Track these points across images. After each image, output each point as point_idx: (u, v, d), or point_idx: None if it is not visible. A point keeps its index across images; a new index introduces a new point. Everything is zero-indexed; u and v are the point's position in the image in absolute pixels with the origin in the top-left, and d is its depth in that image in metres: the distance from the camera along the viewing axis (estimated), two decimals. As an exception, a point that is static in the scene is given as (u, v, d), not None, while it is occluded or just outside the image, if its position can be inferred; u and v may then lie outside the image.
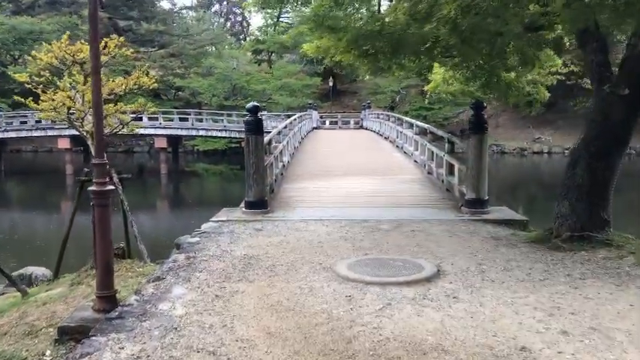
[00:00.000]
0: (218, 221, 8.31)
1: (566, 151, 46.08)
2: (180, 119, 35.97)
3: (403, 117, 19.34)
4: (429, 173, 12.74)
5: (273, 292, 5.16)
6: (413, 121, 16.51)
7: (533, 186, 31.83)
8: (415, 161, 14.78)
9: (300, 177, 12.96)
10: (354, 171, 13.66)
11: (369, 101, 39.34)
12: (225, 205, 10.38)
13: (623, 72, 6.68)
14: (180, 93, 52.35)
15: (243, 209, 8.91)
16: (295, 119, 20.17)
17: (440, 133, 12.41)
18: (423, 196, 10.53)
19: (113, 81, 9.32)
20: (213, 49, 59.06)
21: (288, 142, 15.34)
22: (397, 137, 19.28)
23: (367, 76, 47.58)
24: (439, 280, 5.46)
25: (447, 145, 10.93)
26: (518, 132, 47.53)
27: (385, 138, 22.83)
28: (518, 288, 5.24)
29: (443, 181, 11.04)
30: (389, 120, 22.88)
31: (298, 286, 5.31)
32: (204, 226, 8.00)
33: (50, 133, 33.65)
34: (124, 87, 8.74)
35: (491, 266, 5.94)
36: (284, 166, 13.46)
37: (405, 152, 17.02)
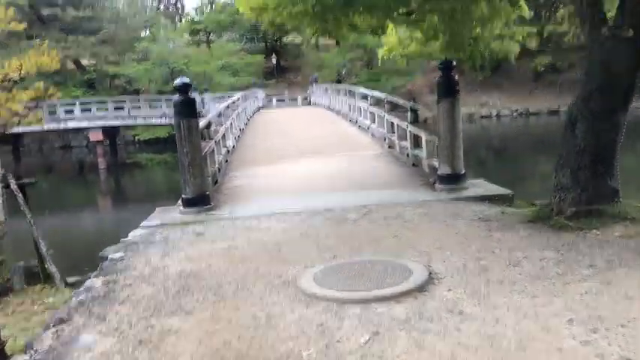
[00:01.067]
0: (149, 226, 6.84)
1: (515, 113, 46.39)
2: (116, 108, 33.61)
3: (355, 88, 18.04)
4: (390, 147, 11.54)
5: (219, 328, 3.81)
6: (367, 91, 15.22)
7: (489, 150, 31.31)
8: (373, 135, 13.55)
9: (248, 162, 11.54)
10: (309, 151, 12.33)
11: (315, 75, 37.85)
12: (172, 197, 8.96)
13: (625, 10, 5.54)
14: (116, 81, 49.50)
15: (181, 208, 7.46)
16: (238, 99, 18.58)
17: (400, 101, 11.18)
18: (388, 174, 9.31)
19: (9, 65, 7.61)
20: (148, 32, 56.14)
21: (231, 124, 13.85)
22: (350, 110, 17.99)
23: (312, 40, 46.03)
24: (435, 288, 4.23)
25: (409, 114, 9.71)
26: (466, 97, 46.93)
27: (337, 112, 21.53)
28: (536, 290, 4.06)
29: (408, 155, 9.84)
30: (339, 93, 21.55)
31: (252, 315, 3.98)
32: (133, 235, 6.53)
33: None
34: (19, 71, 7.07)
35: (492, 260, 4.75)
36: (228, 151, 12.00)
37: (360, 126, 15.76)
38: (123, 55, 49.58)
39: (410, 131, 9.60)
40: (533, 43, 41.21)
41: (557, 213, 5.70)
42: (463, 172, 7.66)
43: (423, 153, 8.83)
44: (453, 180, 7.59)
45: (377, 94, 13.87)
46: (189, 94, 7.34)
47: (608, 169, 5.70)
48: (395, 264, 4.72)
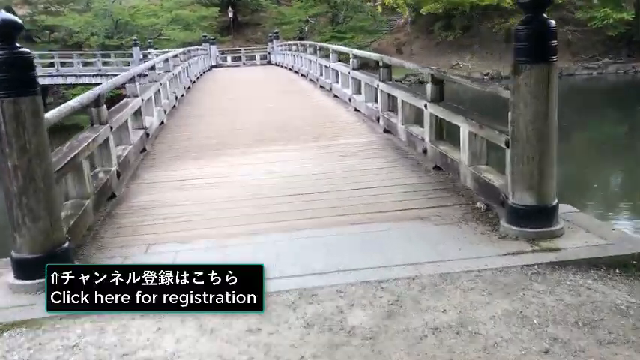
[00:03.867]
0: None
1: (486, 77, 43.26)
2: (49, 65, 28.81)
3: (330, 45, 14.18)
4: (387, 132, 7.93)
5: None
6: (349, 50, 11.40)
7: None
8: (357, 110, 9.86)
9: (179, 154, 7.72)
10: (269, 136, 8.53)
11: (276, 31, 33.73)
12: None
13: None
14: (55, 34, 44.13)
15: (12, 278, 3.72)
16: (177, 56, 14.46)
17: (409, 65, 7.53)
18: (397, 184, 5.68)
19: None
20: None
21: (158, 92, 9.91)
22: (321, 74, 14.18)
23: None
24: None
25: (429, 86, 6.07)
26: (435, 59, 43.79)
27: (302, 75, 17.70)
28: None
29: (425, 151, 6.26)
30: (306, 51, 17.67)
31: None
32: None
33: None
34: None
35: None
36: (148, 135, 8.15)
37: (336, 95, 12.02)
38: (64, 4, 44.43)
39: (431, 114, 6.00)
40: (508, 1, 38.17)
41: None
42: (555, 202, 4.13)
43: (463, 155, 5.25)
44: (540, 218, 4.04)
45: (365, 53, 10.13)
46: (17, 45, 3.53)
47: None
48: None
